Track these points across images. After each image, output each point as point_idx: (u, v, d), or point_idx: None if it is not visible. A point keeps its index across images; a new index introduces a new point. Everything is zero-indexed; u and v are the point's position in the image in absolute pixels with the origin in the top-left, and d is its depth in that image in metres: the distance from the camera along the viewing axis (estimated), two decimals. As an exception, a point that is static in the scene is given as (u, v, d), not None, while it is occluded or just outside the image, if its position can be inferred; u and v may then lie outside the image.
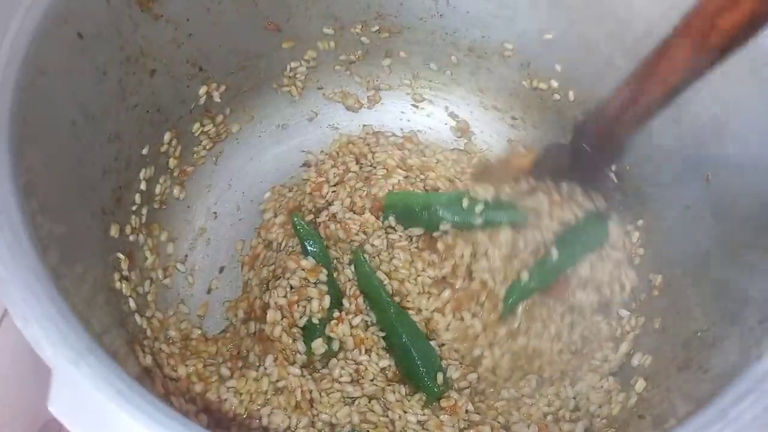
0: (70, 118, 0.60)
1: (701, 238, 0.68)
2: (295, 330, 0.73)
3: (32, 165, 0.52)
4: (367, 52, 0.97)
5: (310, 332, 0.74)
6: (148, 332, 0.69)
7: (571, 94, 0.89)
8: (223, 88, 0.87)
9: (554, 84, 0.90)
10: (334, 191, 0.86)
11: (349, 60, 0.97)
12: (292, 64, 0.94)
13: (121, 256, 0.70)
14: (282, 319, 0.73)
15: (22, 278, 0.41)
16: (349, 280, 0.80)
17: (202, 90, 0.84)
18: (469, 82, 0.99)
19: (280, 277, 0.77)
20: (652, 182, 0.79)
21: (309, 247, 0.79)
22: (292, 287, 0.75)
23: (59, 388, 0.36)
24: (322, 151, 0.94)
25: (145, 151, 0.76)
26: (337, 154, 0.92)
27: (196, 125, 0.86)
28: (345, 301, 0.78)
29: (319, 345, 0.73)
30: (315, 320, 0.74)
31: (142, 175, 0.77)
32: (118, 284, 0.67)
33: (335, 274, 0.80)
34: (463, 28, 0.92)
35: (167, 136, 0.81)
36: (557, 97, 0.91)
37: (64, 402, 0.36)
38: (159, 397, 0.59)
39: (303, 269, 0.76)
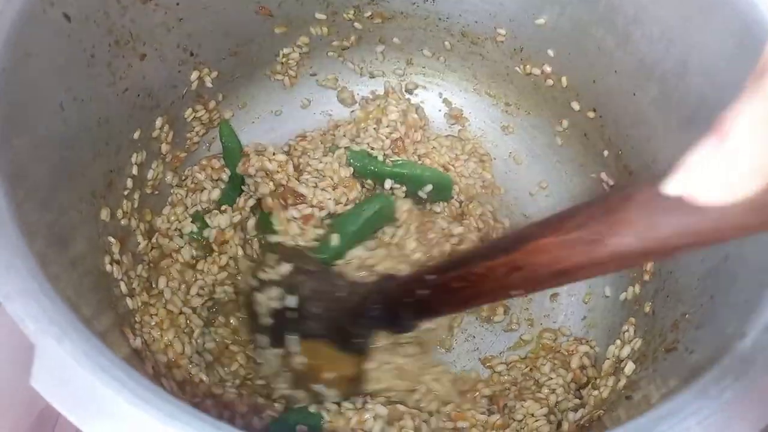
0: (59, 102, 0.59)
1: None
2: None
3: (19, 153, 0.52)
4: (360, 38, 0.96)
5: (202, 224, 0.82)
6: (138, 316, 0.69)
7: (564, 80, 0.89)
8: (215, 73, 0.87)
9: (547, 69, 0.90)
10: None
11: (342, 46, 0.97)
12: (285, 50, 0.94)
13: (111, 239, 0.70)
14: (173, 219, 0.81)
15: (4, 257, 0.41)
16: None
17: (194, 75, 0.84)
18: (462, 69, 0.99)
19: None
20: (643, 166, 0.79)
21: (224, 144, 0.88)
22: (196, 182, 0.84)
23: (42, 364, 0.37)
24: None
25: (136, 136, 0.76)
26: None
27: (189, 111, 0.86)
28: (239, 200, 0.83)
29: (186, 224, 0.81)
30: (200, 208, 0.82)
31: (134, 159, 0.77)
32: (108, 267, 0.67)
33: None
34: (455, 13, 0.92)
35: (159, 122, 0.80)
36: (550, 82, 0.91)
37: (46, 378, 0.36)
38: (148, 378, 0.61)
39: (212, 167, 0.84)
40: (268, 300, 0.75)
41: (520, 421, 0.69)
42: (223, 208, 0.84)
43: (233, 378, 0.76)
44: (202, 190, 0.84)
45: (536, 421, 0.68)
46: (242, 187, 0.85)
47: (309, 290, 0.75)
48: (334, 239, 0.78)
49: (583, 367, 0.75)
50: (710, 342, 0.50)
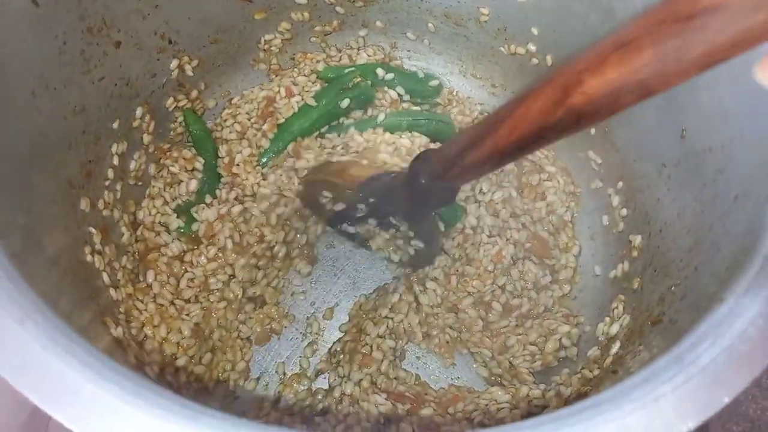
0: (30, 89, 0.59)
1: (676, 194, 0.67)
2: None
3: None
4: (342, 22, 0.95)
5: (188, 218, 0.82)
6: (122, 308, 0.69)
7: (549, 59, 0.88)
8: (195, 62, 0.86)
9: (532, 48, 0.89)
10: None
11: (325, 31, 0.96)
12: (266, 37, 0.93)
13: (92, 230, 0.69)
14: (154, 212, 0.80)
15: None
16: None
17: (174, 64, 0.83)
18: (447, 51, 0.98)
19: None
20: (629, 142, 0.78)
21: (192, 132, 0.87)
22: (171, 174, 0.83)
23: (4, 346, 0.36)
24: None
25: (115, 126, 0.75)
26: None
27: (170, 100, 0.85)
28: (219, 193, 0.83)
29: (172, 220, 0.80)
30: (181, 202, 0.82)
31: (114, 149, 0.76)
32: (89, 257, 0.66)
33: None
34: (438, -7, 0.91)
35: (139, 111, 0.80)
36: (536, 61, 0.90)
37: (8, 360, 0.36)
38: (131, 367, 0.60)
39: (184, 158, 0.84)
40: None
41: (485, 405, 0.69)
42: (209, 201, 0.82)
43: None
44: (179, 183, 0.83)
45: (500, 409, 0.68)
46: (219, 174, 0.85)
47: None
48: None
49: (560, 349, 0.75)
50: (692, 310, 0.49)
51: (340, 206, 0.80)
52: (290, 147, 0.86)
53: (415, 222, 0.78)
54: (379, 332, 0.75)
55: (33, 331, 0.37)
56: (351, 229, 0.83)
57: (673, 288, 0.59)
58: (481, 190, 0.87)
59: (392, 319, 0.77)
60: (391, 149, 0.83)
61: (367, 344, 0.74)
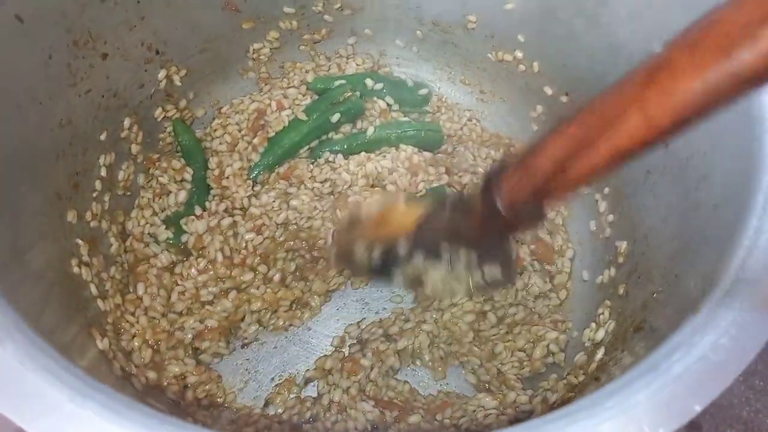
0: (15, 102, 0.59)
1: (661, 201, 0.68)
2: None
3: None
4: (331, 30, 0.96)
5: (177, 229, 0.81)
6: (110, 318, 0.69)
7: (536, 65, 0.89)
8: (183, 71, 0.86)
9: (519, 55, 0.90)
10: None
11: (314, 39, 0.96)
12: (255, 46, 0.93)
13: (80, 241, 0.69)
14: (143, 222, 0.80)
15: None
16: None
17: (162, 74, 0.83)
18: (435, 58, 0.99)
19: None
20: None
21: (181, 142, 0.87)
22: (160, 184, 0.83)
23: (-17, 366, 0.36)
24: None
25: (103, 137, 0.76)
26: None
27: (158, 110, 0.86)
28: (209, 205, 0.83)
29: (161, 231, 0.80)
30: (170, 213, 0.82)
31: (101, 161, 0.76)
32: (76, 269, 0.67)
33: None
34: (425, 1, 0.91)
35: (127, 122, 0.80)
36: (522, 68, 0.90)
37: (-13, 378, 0.36)
38: (117, 380, 0.60)
39: (173, 169, 0.84)
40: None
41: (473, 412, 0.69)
42: (198, 212, 0.82)
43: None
44: (168, 194, 0.83)
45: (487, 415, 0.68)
46: (209, 186, 0.85)
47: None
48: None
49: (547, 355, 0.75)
50: (672, 318, 0.49)
51: (380, 254, 0.65)
52: (281, 169, 0.86)
53: (485, 248, 0.60)
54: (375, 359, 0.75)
55: (12, 350, 0.37)
56: (397, 272, 0.64)
57: (655, 295, 0.59)
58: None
59: (396, 342, 0.77)
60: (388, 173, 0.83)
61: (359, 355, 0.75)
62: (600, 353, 0.64)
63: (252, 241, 0.80)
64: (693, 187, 0.62)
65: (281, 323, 0.79)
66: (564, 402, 0.62)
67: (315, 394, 0.75)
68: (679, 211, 0.64)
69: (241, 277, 0.78)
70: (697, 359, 0.37)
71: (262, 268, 0.80)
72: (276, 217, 0.82)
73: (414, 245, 0.61)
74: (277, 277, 0.79)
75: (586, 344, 0.72)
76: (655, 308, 0.57)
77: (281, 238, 0.81)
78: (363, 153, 0.89)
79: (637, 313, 0.61)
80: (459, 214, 0.57)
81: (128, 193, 0.82)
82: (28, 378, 0.36)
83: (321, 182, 0.86)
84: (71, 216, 0.68)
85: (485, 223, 0.52)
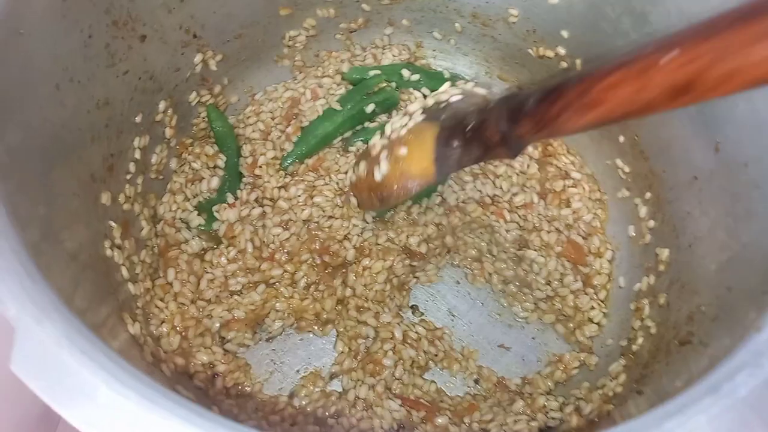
0: (54, 83, 0.58)
1: (708, 208, 0.65)
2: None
3: (12, 137, 0.51)
4: (368, 20, 0.94)
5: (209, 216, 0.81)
6: (139, 302, 0.69)
7: (579, 63, 0.86)
8: (219, 56, 0.85)
9: (561, 51, 0.87)
10: None
11: (350, 28, 0.94)
12: (291, 33, 0.92)
13: (113, 224, 0.69)
14: (175, 207, 0.80)
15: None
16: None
17: (198, 58, 0.82)
18: (473, 52, 0.96)
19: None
20: (660, 152, 0.76)
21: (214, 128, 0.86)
22: (193, 169, 0.82)
23: (21, 346, 0.36)
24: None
25: (138, 119, 0.75)
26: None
27: (193, 95, 0.85)
28: (241, 193, 0.81)
29: (193, 217, 0.79)
30: (202, 199, 0.81)
31: (136, 143, 0.76)
32: (108, 252, 0.66)
33: None
34: (466, -7, 0.89)
35: (162, 105, 0.79)
36: (564, 65, 0.88)
37: (25, 360, 0.35)
38: (147, 366, 0.60)
39: (206, 155, 0.83)
40: None
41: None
42: (231, 201, 0.81)
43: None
44: (200, 180, 0.82)
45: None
46: (241, 174, 0.84)
47: None
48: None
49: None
50: (726, 335, 0.47)
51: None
52: (311, 161, 0.85)
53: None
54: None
55: (50, 330, 0.36)
56: None
57: (703, 308, 0.57)
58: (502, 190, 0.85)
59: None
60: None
61: (382, 350, 0.73)
62: (640, 364, 0.62)
63: (279, 236, 0.79)
64: (744, 195, 0.59)
65: (304, 325, 0.78)
66: (601, 414, 0.60)
67: (340, 389, 0.74)
68: (728, 220, 0.61)
69: (270, 272, 0.76)
70: (764, 382, 0.35)
71: (290, 267, 0.78)
72: (300, 213, 0.80)
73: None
74: (303, 283, 0.77)
75: (622, 352, 0.70)
76: (703, 322, 0.55)
77: (305, 237, 0.79)
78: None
79: (681, 325, 0.59)
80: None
81: (161, 177, 0.82)
82: (65, 360, 0.36)
83: (345, 173, 0.85)
84: (105, 198, 0.68)
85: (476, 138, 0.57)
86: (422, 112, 0.67)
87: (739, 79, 0.35)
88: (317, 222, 0.80)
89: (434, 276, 0.82)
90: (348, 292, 0.78)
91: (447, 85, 0.72)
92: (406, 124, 0.67)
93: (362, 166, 0.73)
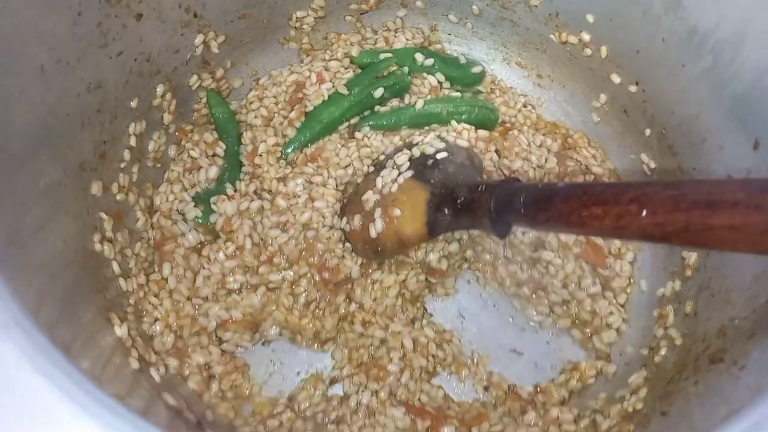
0: (39, 64, 0.54)
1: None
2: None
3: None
4: (380, 1, 0.89)
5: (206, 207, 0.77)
6: (132, 299, 0.65)
7: (604, 50, 0.80)
8: (222, 38, 0.81)
9: (585, 37, 0.81)
10: None
11: (361, 9, 0.89)
12: (298, 14, 0.87)
13: (104, 215, 0.65)
14: (172, 198, 0.76)
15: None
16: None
17: (199, 39, 0.78)
18: (491, 36, 0.91)
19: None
20: (691, 148, 0.71)
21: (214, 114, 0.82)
22: (191, 158, 0.79)
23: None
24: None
25: (134, 104, 0.71)
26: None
27: (194, 78, 0.81)
28: (240, 184, 0.78)
29: (190, 209, 0.75)
30: (199, 189, 0.77)
31: (131, 129, 0.72)
32: (98, 246, 0.63)
33: None
34: (485, -27, 0.83)
35: (160, 89, 0.75)
36: (588, 52, 0.82)
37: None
38: (131, 373, 0.56)
39: (205, 142, 0.79)
40: None
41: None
42: (230, 192, 0.77)
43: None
44: (198, 169, 0.78)
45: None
46: (241, 162, 0.80)
47: None
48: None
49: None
50: (765, 357, 0.42)
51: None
52: (310, 150, 0.80)
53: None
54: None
55: (11, 348, 0.33)
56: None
57: (737, 322, 0.52)
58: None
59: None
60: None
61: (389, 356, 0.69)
62: (664, 379, 0.57)
63: (277, 238, 0.74)
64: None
65: (300, 339, 0.74)
66: (621, 432, 0.56)
67: (342, 393, 0.70)
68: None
69: (269, 276, 0.72)
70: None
71: (289, 275, 0.73)
72: (300, 216, 0.75)
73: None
74: (302, 299, 0.72)
75: (643, 363, 0.65)
76: (738, 338, 0.50)
77: (303, 245, 0.74)
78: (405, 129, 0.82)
79: (712, 339, 0.54)
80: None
81: (158, 165, 0.78)
82: (27, 383, 0.32)
83: (344, 168, 0.80)
84: (96, 188, 0.64)
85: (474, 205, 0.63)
86: (409, 167, 0.72)
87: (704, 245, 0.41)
88: (316, 229, 0.75)
89: (451, 288, 0.78)
90: (353, 307, 0.73)
91: (432, 135, 0.78)
92: (395, 179, 0.71)
93: (357, 219, 0.72)
